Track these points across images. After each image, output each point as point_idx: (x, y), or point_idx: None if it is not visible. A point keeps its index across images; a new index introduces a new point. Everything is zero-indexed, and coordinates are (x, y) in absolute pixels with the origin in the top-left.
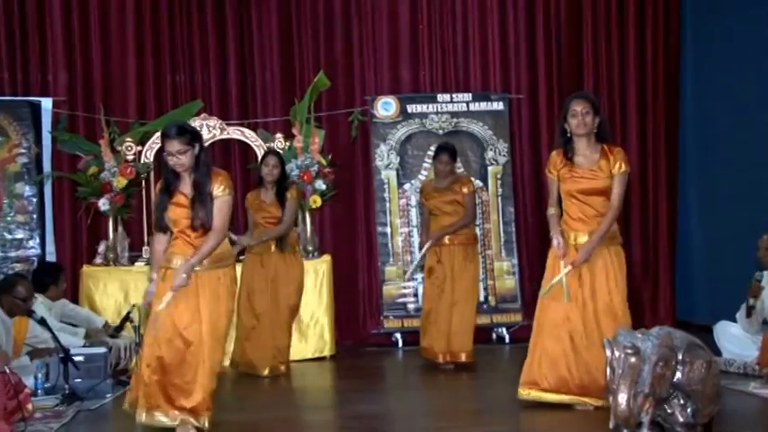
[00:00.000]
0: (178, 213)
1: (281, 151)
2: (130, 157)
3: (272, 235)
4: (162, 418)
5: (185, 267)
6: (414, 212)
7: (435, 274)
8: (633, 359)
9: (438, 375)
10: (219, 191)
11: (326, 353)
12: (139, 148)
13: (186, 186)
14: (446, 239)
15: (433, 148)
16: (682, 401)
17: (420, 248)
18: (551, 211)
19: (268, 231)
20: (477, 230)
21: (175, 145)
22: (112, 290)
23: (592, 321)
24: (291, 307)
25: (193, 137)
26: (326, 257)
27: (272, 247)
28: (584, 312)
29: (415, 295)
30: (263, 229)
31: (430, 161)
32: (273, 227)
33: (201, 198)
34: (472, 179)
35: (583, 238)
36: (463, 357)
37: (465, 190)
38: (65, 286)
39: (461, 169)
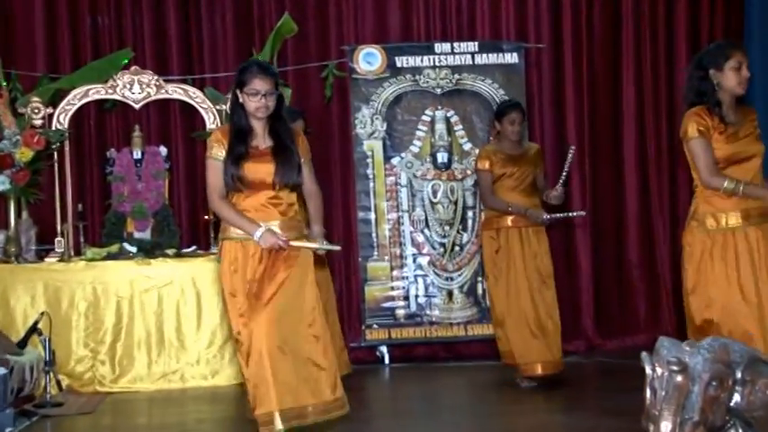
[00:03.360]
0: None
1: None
2: (38, 122)
3: None
4: None
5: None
6: (404, 193)
7: (497, 265)
8: (679, 378)
9: (435, 401)
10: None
11: None
12: (50, 110)
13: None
14: (509, 221)
15: (429, 111)
16: (741, 431)
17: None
18: (725, 182)
19: None
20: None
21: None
22: (15, 294)
23: None
24: None
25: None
26: None
27: None
28: None
29: (406, 298)
30: None
31: (425, 129)
32: None
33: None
34: None
35: (734, 221)
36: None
37: (542, 163)
38: None
39: (465, 140)
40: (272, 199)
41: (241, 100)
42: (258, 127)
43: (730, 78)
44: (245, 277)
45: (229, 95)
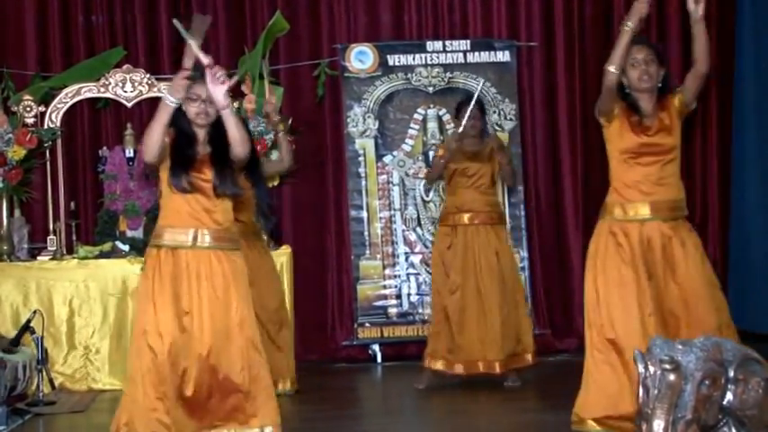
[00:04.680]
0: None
1: None
2: (30, 121)
3: None
4: None
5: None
6: (396, 192)
7: (448, 261)
8: (672, 377)
9: (427, 399)
10: None
11: None
12: (42, 108)
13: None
14: (465, 218)
15: (421, 110)
16: (734, 430)
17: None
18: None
19: None
20: None
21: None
22: (7, 292)
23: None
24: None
25: None
26: (286, 249)
27: None
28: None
29: (398, 297)
30: None
31: (417, 127)
32: None
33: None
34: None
35: (644, 211)
36: (498, 368)
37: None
38: None
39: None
40: (207, 205)
41: (183, 106)
42: (200, 134)
43: (631, 76)
44: (165, 288)
45: None
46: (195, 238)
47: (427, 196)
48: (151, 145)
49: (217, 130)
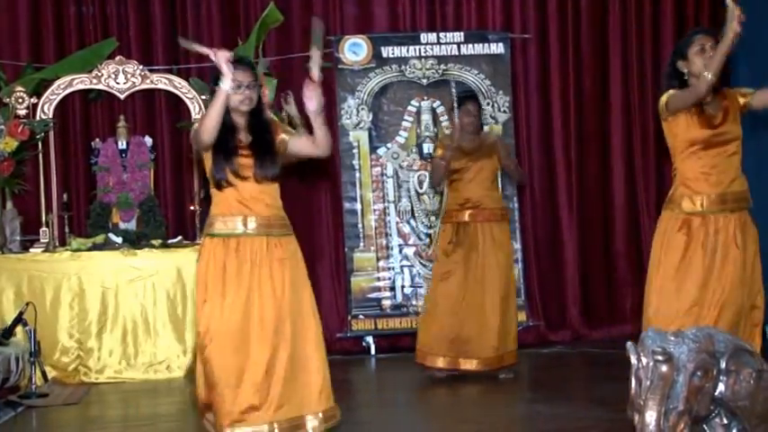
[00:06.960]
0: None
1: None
2: (22, 112)
3: None
4: None
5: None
6: (390, 184)
7: (450, 258)
8: (664, 368)
9: (420, 390)
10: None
11: None
12: (34, 100)
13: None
14: (466, 215)
15: (414, 102)
16: (725, 421)
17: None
18: (707, 75)
19: None
20: None
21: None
22: None
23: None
24: None
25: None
26: None
27: None
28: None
29: (392, 289)
30: None
31: (411, 119)
32: None
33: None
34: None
35: (710, 203)
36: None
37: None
38: None
39: (450, 130)
40: (253, 193)
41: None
42: (239, 122)
43: (696, 63)
44: (221, 277)
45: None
46: (245, 225)
47: (421, 188)
48: (210, 128)
49: (255, 117)
